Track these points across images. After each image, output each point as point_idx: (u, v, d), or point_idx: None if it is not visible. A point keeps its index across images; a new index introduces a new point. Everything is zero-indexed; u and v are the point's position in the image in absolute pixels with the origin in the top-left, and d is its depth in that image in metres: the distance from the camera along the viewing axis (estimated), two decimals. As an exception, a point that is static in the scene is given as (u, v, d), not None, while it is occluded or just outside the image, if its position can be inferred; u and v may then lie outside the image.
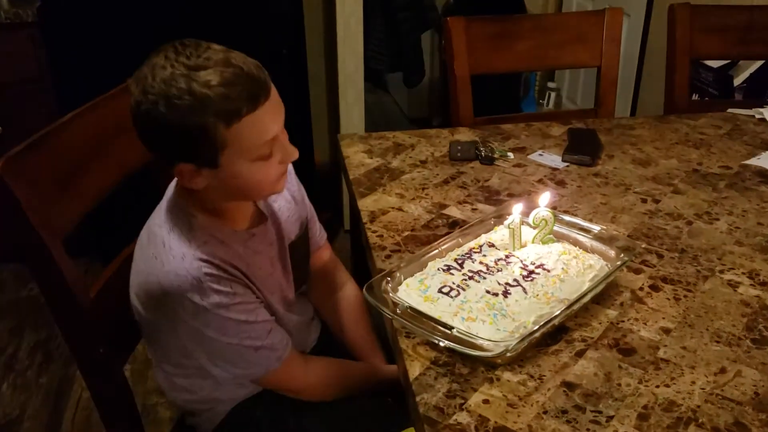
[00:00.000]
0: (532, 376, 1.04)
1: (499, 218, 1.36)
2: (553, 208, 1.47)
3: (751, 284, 1.26)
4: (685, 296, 1.23)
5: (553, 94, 4.31)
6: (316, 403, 1.31)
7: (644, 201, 1.55)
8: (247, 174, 1.09)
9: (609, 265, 1.23)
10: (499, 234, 1.32)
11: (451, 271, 1.20)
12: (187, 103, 1.00)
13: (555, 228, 1.30)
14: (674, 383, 1.03)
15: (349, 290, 1.51)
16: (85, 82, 2.50)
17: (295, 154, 1.13)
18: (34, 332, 2.60)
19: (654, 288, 1.25)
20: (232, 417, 1.32)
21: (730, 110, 2.07)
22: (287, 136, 1.13)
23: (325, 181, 3.53)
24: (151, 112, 1.02)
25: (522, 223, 1.28)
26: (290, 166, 1.29)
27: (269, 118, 1.07)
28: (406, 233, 1.42)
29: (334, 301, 1.50)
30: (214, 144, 1.03)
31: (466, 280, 1.18)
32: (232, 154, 1.05)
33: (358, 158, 1.74)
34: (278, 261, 1.29)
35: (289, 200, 1.34)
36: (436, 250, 1.26)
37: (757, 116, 2.02)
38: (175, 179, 1.19)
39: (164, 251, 1.11)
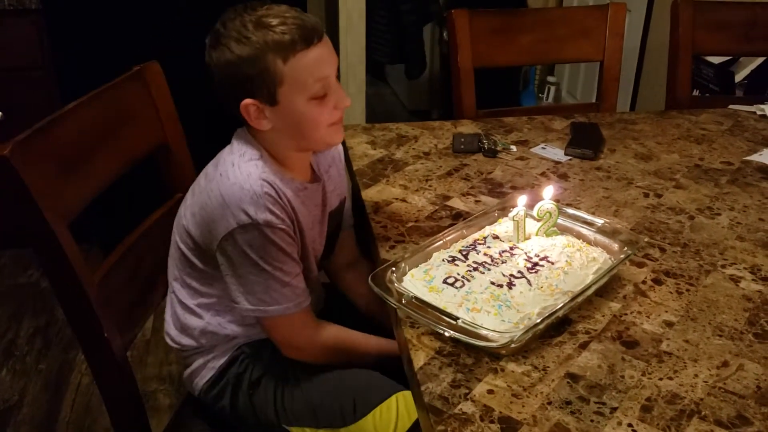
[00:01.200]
0: (536, 367, 1.05)
1: (503, 210, 1.37)
2: (557, 201, 1.48)
3: (753, 279, 1.27)
4: (687, 290, 1.24)
5: (552, 88, 4.31)
6: (314, 366, 1.34)
7: (646, 195, 1.56)
8: (303, 111, 1.20)
9: (612, 259, 1.24)
10: (504, 226, 1.33)
11: (456, 262, 1.21)
12: (251, 42, 1.15)
13: (559, 221, 1.31)
14: (677, 376, 1.04)
15: (356, 266, 1.57)
16: (87, 70, 2.50)
17: (348, 100, 1.25)
18: (33, 318, 2.60)
19: (657, 281, 1.26)
20: (230, 365, 1.36)
21: (731, 106, 2.07)
22: (341, 87, 1.25)
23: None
24: (224, 55, 1.17)
25: (526, 215, 1.29)
26: (341, 150, 1.46)
27: (322, 59, 1.19)
28: (410, 224, 1.43)
29: (355, 272, 1.55)
30: (273, 78, 1.16)
31: (470, 271, 1.18)
32: (289, 90, 1.18)
33: (361, 149, 1.74)
34: (318, 223, 1.36)
35: (335, 176, 1.43)
36: (441, 241, 1.27)
37: (758, 113, 2.03)
38: (241, 129, 1.29)
39: (233, 169, 1.21)
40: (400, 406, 1.26)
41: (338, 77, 1.26)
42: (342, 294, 1.57)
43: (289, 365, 1.34)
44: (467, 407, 0.97)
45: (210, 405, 1.39)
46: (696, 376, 1.04)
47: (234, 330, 1.34)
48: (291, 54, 1.16)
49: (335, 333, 1.36)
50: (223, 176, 1.20)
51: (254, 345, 1.37)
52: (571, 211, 1.36)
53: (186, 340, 1.36)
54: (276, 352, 1.34)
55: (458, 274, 1.17)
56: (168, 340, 1.40)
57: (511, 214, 1.31)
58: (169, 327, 1.39)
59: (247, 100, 1.19)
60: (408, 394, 1.25)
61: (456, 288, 1.14)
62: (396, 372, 1.21)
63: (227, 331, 1.34)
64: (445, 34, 3.87)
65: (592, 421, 0.96)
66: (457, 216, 1.46)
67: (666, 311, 1.18)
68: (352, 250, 1.57)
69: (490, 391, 1.00)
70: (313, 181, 1.34)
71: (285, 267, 1.23)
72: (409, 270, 1.20)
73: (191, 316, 1.34)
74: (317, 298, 1.44)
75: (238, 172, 1.20)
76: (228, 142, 1.28)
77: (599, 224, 1.32)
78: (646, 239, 1.38)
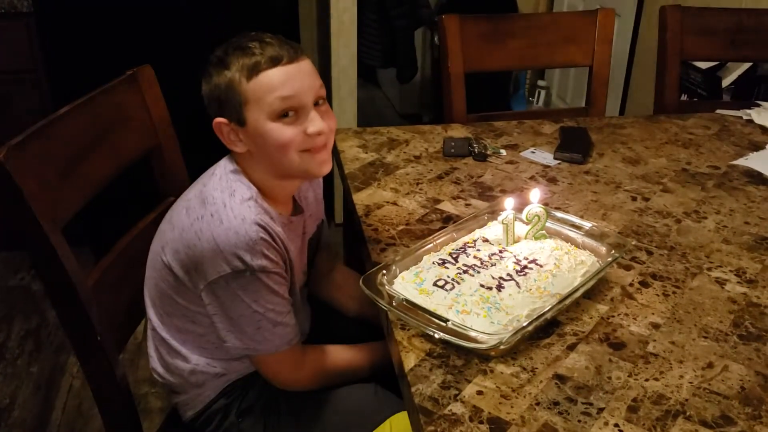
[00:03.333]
0: (524, 369, 1.07)
1: (493, 214, 1.38)
2: (545, 204, 1.50)
3: (738, 282, 1.29)
4: (673, 292, 1.26)
5: (543, 92, 4.34)
6: (306, 391, 1.34)
7: (634, 199, 1.58)
8: (268, 131, 1.18)
9: (600, 262, 1.25)
10: (493, 229, 1.34)
11: (446, 264, 1.22)
12: (224, 64, 1.18)
13: (547, 224, 1.33)
14: (663, 377, 1.06)
15: (341, 267, 1.59)
16: (79, 73, 2.51)
17: (318, 125, 1.19)
18: (24, 321, 2.60)
19: (643, 284, 1.28)
20: (221, 396, 1.34)
21: (718, 111, 2.10)
22: (326, 111, 1.23)
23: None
24: (206, 84, 1.21)
25: (515, 219, 1.30)
26: None
27: (288, 78, 1.18)
28: (401, 227, 1.44)
29: (331, 278, 1.57)
30: (238, 96, 1.17)
31: (460, 273, 1.20)
32: (253, 109, 1.17)
33: (352, 153, 1.76)
34: (299, 253, 1.35)
35: (314, 199, 1.43)
36: (431, 244, 1.29)
37: (745, 117, 2.05)
38: (226, 159, 1.28)
39: (225, 211, 1.18)
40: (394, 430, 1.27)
41: (326, 94, 1.25)
42: (329, 310, 1.57)
43: (280, 393, 1.34)
44: (457, 408, 0.99)
45: (196, 430, 1.37)
46: (681, 377, 1.06)
47: (224, 367, 1.32)
48: (254, 73, 1.16)
49: (324, 360, 1.35)
50: (215, 218, 1.17)
51: (245, 378, 1.35)
52: (559, 214, 1.38)
53: (174, 378, 1.34)
54: (266, 382, 1.33)
55: (448, 277, 1.19)
56: (155, 375, 1.37)
57: (500, 218, 1.33)
58: (155, 363, 1.36)
59: (219, 119, 1.20)
60: (402, 415, 1.25)
61: (446, 290, 1.15)
62: (390, 377, 1.22)
63: (217, 370, 1.32)
64: (436, 39, 3.89)
65: (579, 421, 0.97)
66: (448, 219, 1.47)
67: (652, 313, 1.20)
68: (329, 263, 1.57)
69: (479, 392, 1.02)
70: (295, 213, 1.33)
71: (277, 308, 1.23)
72: (399, 272, 1.21)
73: (178, 359, 1.31)
74: (304, 318, 1.43)
75: (231, 216, 1.17)
76: (219, 146, 1.26)
77: (587, 227, 1.34)
78: (633, 242, 1.40)
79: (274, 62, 1.16)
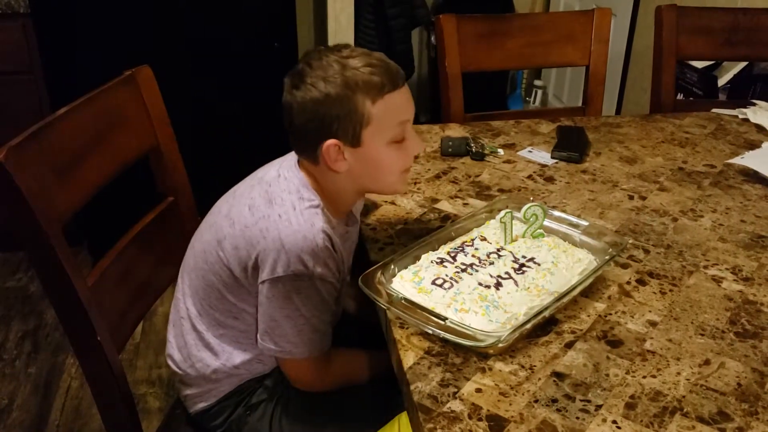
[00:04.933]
0: (523, 366, 1.07)
1: (491, 213, 1.39)
2: (543, 203, 1.50)
3: (734, 279, 1.30)
4: (670, 290, 1.26)
5: (539, 92, 4.35)
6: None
7: (631, 198, 1.59)
8: (382, 156, 1.19)
9: (597, 260, 1.26)
10: (491, 228, 1.35)
11: (444, 263, 1.23)
12: (340, 81, 1.14)
13: (545, 223, 1.33)
14: (660, 374, 1.07)
15: None
16: (76, 74, 2.52)
17: (421, 146, 1.26)
18: (22, 322, 2.60)
19: (641, 282, 1.28)
20: (233, 393, 1.35)
21: (714, 110, 2.11)
22: (416, 133, 1.24)
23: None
24: (309, 93, 1.15)
25: (513, 218, 1.31)
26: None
27: (406, 102, 1.20)
28: (399, 226, 1.45)
29: None
30: (360, 119, 1.15)
31: (459, 272, 1.20)
32: (374, 132, 1.16)
33: (350, 152, 1.76)
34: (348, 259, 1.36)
35: (357, 210, 1.41)
36: (429, 243, 1.29)
37: (741, 116, 2.06)
38: (290, 160, 1.26)
39: (294, 214, 1.18)
40: (402, 429, 1.27)
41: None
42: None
43: (289, 389, 1.34)
44: (456, 406, 0.99)
45: (202, 423, 1.38)
46: (678, 374, 1.07)
47: (246, 369, 1.33)
48: (379, 95, 1.15)
49: (340, 365, 1.36)
50: (283, 218, 1.18)
51: (258, 378, 1.36)
52: (557, 213, 1.38)
53: (192, 371, 1.34)
54: (277, 381, 1.34)
55: (447, 276, 1.19)
56: (170, 363, 1.38)
57: (498, 217, 1.33)
58: (173, 350, 1.36)
59: (330, 141, 1.16)
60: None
61: (444, 289, 1.16)
62: (394, 381, 1.22)
63: (239, 371, 1.33)
64: (433, 38, 3.90)
65: (577, 418, 0.98)
66: (446, 218, 1.48)
67: (650, 311, 1.21)
68: None
69: (478, 390, 1.02)
70: (351, 223, 1.34)
71: (322, 316, 1.24)
72: (398, 271, 1.22)
73: (207, 353, 1.32)
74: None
75: (302, 220, 1.18)
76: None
77: (585, 226, 1.34)
78: (630, 241, 1.40)
79: (395, 85, 1.17)
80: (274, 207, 1.19)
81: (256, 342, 1.27)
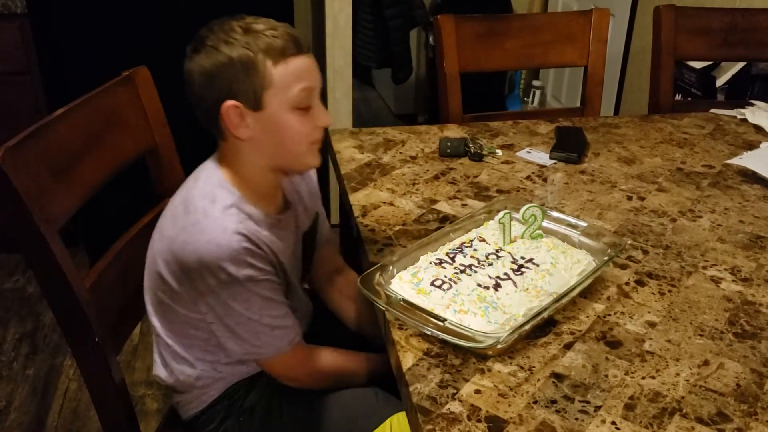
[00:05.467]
0: (522, 367, 1.07)
1: (489, 214, 1.39)
2: (541, 204, 1.50)
3: (733, 280, 1.30)
4: (669, 291, 1.26)
5: (537, 92, 4.35)
6: (308, 392, 1.33)
7: (630, 198, 1.59)
8: (286, 120, 1.16)
9: (596, 260, 1.26)
10: (489, 229, 1.35)
11: (443, 264, 1.23)
12: (242, 42, 1.12)
13: (544, 223, 1.33)
14: (659, 375, 1.06)
15: (349, 274, 1.56)
16: (74, 75, 2.51)
17: (329, 119, 1.22)
18: (19, 323, 2.59)
19: (639, 283, 1.28)
20: (223, 398, 1.34)
21: (712, 110, 2.11)
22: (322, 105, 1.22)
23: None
24: (210, 56, 1.13)
25: (512, 218, 1.31)
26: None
27: (311, 69, 1.18)
28: (398, 227, 1.44)
29: (338, 286, 1.54)
30: (261, 80, 1.13)
31: (457, 273, 1.20)
32: (275, 95, 1.14)
33: (348, 153, 1.76)
34: (295, 248, 1.35)
35: (306, 193, 1.41)
36: (428, 244, 1.29)
37: (739, 117, 2.06)
38: (212, 158, 1.25)
39: (206, 221, 1.16)
40: (395, 427, 1.27)
41: (322, 94, 1.26)
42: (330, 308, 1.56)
43: (282, 393, 1.34)
44: (455, 407, 0.99)
45: (197, 428, 1.37)
46: (678, 374, 1.07)
47: (229, 371, 1.32)
48: (282, 58, 1.13)
49: (329, 360, 1.35)
50: (196, 228, 1.15)
51: (248, 379, 1.35)
52: (555, 214, 1.38)
53: (178, 382, 1.33)
54: (269, 383, 1.34)
55: (445, 277, 1.19)
56: (158, 379, 1.37)
57: (497, 218, 1.33)
58: (159, 369, 1.35)
59: (230, 102, 1.13)
60: (402, 415, 1.26)
61: (443, 290, 1.16)
62: (389, 384, 1.22)
63: (222, 374, 1.32)
64: (431, 39, 3.89)
65: (576, 419, 0.98)
66: (444, 219, 1.48)
67: (648, 312, 1.20)
68: (333, 262, 1.55)
69: (477, 391, 1.02)
70: (284, 209, 1.31)
71: (273, 312, 1.22)
72: (397, 273, 1.21)
73: (184, 365, 1.31)
74: (303, 314, 1.42)
75: (213, 226, 1.15)
76: (215, 147, 1.26)
77: (583, 227, 1.34)
78: (629, 241, 1.40)
79: (299, 50, 1.15)
80: (189, 216, 1.17)
81: (222, 347, 1.26)
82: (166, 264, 1.20)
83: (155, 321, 1.31)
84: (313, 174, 1.45)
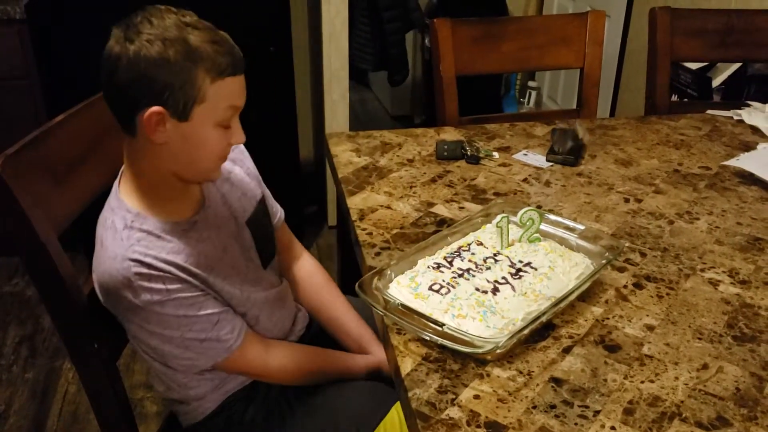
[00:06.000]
0: (521, 372, 1.07)
1: (487, 217, 1.39)
2: (538, 207, 1.51)
3: (731, 282, 1.30)
4: (667, 294, 1.27)
5: (534, 93, 4.36)
6: (306, 395, 1.34)
7: (627, 200, 1.59)
8: (206, 138, 1.13)
9: (594, 264, 1.26)
10: (487, 232, 1.35)
11: (441, 268, 1.23)
12: (183, 49, 1.07)
13: (541, 227, 1.33)
14: (658, 379, 1.07)
15: (306, 260, 1.57)
16: (72, 80, 2.50)
17: (243, 138, 1.19)
18: (19, 327, 2.59)
19: (637, 286, 1.29)
20: (222, 409, 1.34)
21: (709, 112, 2.11)
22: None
23: (308, 176, 3.55)
24: (144, 50, 1.06)
25: (509, 222, 1.31)
26: (243, 148, 1.40)
27: (241, 89, 1.15)
28: (395, 231, 1.45)
29: (294, 272, 1.54)
30: (195, 94, 1.09)
31: (455, 277, 1.20)
32: (205, 110, 1.11)
33: (346, 157, 1.76)
34: (234, 242, 1.30)
35: (242, 177, 1.38)
36: (426, 248, 1.29)
37: (735, 118, 2.06)
38: (119, 178, 1.23)
39: (102, 250, 1.16)
40: (401, 415, 1.27)
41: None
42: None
43: (283, 399, 1.34)
44: (454, 412, 0.99)
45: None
46: (677, 378, 1.07)
47: (219, 376, 1.31)
48: (220, 77, 1.10)
49: (290, 353, 1.34)
50: (97, 259, 1.16)
51: (245, 390, 1.35)
52: (553, 217, 1.38)
53: (175, 394, 1.33)
54: (267, 394, 1.33)
55: (443, 281, 1.19)
56: (156, 391, 1.37)
57: (494, 221, 1.34)
58: (154, 381, 1.35)
59: (156, 108, 1.08)
60: (392, 410, 1.27)
61: (441, 295, 1.16)
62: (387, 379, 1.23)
63: (215, 382, 1.32)
64: (427, 41, 3.90)
65: (576, 424, 0.98)
66: (442, 222, 1.48)
67: (647, 315, 1.21)
68: (288, 248, 1.54)
69: (476, 397, 1.02)
70: (200, 209, 1.25)
71: (195, 327, 1.19)
72: (395, 277, 1.22)
73: (172, 377, 1.30)
74: (283, 317, 1.41)
75: (105, 257, 1.14)
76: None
77: (581, 230, 1.34)
78: (626, 244, 1.41)
79: (236, 70, 1.12)
80: (96, 245, 1.18)
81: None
82: (99, 295, 1.21)
83: (132, 342, 1.30)
84: (246, 156, 1.42)
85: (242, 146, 1.40)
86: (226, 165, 1.33)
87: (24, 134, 1.16)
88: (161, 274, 1.14)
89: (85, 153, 1.30)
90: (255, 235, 1.35)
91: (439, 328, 1.09)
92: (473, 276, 1.21)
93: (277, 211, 1.50)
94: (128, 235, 1.14)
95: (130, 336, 1.24)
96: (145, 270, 1.12)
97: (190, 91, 1.08)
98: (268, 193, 1.47)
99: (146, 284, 1.12)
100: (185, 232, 1.20)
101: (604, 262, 1.26)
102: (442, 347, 1.10)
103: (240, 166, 1.38)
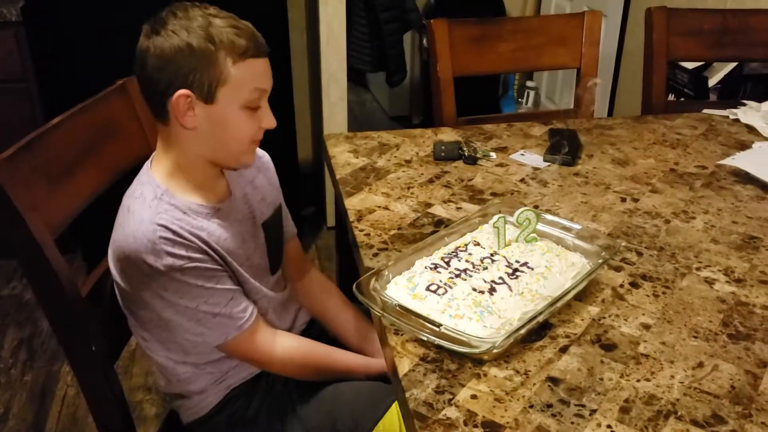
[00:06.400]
0: (518, 372, 1.08)
1: (484, 217, 1.40)
2: (535, 207, 1.51)
3: (726, 281, 1.31)
4: (663, 293, 1.27)
5: (531, 93, 4.36)
6: (307, 391, 1.35)
7: (623, 200, 1.60)
8: (233, 120, 1.19)
9: (590, 263, 1.27)
10: (484, 233, 1.35)
11: (438, 269, 1.23)
12: (204, 34, 1.14)
13: (538, 227, 1.34)
14: (654, 377, 1.07)
15: (314, 273, 1.59)
16: (69, 83, 2.51)
17: (274, 122, 1.24)
18: (17, 330, 2.60)
19: (634, 285, 1.29)
20: (225, 405, 1.34)
21: (705, 111, 2.12)
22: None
23: (307, 178, 3.55)
24: (169, 40, 1.13)
25: (506, 222, 1.31)
26: (269, 159, 1.44)
27: (267, 72, 1.21)
28: (393, 232, 1.45)
29: (304, 283, 1.56)
30: (218, 76, 1.15)
31: (452, 278, 1.21)
32: (229, 92, 1.16)
33: (344, 158, 1.77)
34: (250, 237, 1.34)
35: (265, 184, 1.42)
36: (423, 249, 1.30)
37: (732, 117, 2.07)
38: (151, 159, 1.27)
39: (127, 216, 1.19)
40: (400, 414, 1.27)
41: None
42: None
43: (285, 394, 1.34)
44: (451, 412, 1.00)
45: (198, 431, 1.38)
46: (672, 377, 1.07)
47: (219, 369, 1.32)
48: (241, 58, 1.15)
49: (296, 345, 1.35)
50: (119, 225, 1.19)
51: (247, 385, 1.35)
52: (549, 217, 1.39)
53: (177, 389, 1.34)
54: (269, 389, 1.34)
55: (441, 281, 1.19)
56: (159, 388, 1.39)
57: (491, 221, 1.34)
58: (158, 378, 1.36)
59: (183, 91, 1.14)
60: (390, 410, 1.27)
61: (439, 295, 1.16)
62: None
63: (216, 376, 1.32)
64: (425, 42, 3.90)
65: (572, 423, 0.99)
66: (439, 223, 1.48)
67: (643, 314, 1.21)
68: (295, 258, 1.56)
69: (473, 396, 1.03)
70: (225, 199, 1.30)
71: (210, 300, 1.21)
72: (392, 278, 1.22)
73: (172, 370, 1.32)
74: (284, 314, 1.43)
75: (131, 221, 1.17)
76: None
77: (577, 229, 1.35)
78: (623, 243, 1.41)
79: (259, 52, 1.18)
80: (119, 216, 1.21)
81: (197, 342, 1.26)
82: (114, 267, 1.22)
83: (135, 332, 1.31)
84: (270, 166, 1.47)
85: (268, 157, 1.46)
86: (252, 171, 1.39)
87: (21, 137, 1.17)
88: (185, 242, 1.17)
89: (81, 156, 1.31)
90: (268, 238, 1.40)
91: (437, 329, 1.10)
92: (470, 276, 1.22)
93: (291, 227, 1.54)
94: (157, 204, 1.19)
95: (140, 313, 1.24)
96: (170, 235, 1.16)
97: (213, 73, 1.14)
98: (285, 207, 1.51)
99: (170, 248, 1.15)
100: (209, 216, 1.24)
101: (600, 261, 1.26)
102: (440, 347, 1.10)
103: (264, 174, 1.44)
